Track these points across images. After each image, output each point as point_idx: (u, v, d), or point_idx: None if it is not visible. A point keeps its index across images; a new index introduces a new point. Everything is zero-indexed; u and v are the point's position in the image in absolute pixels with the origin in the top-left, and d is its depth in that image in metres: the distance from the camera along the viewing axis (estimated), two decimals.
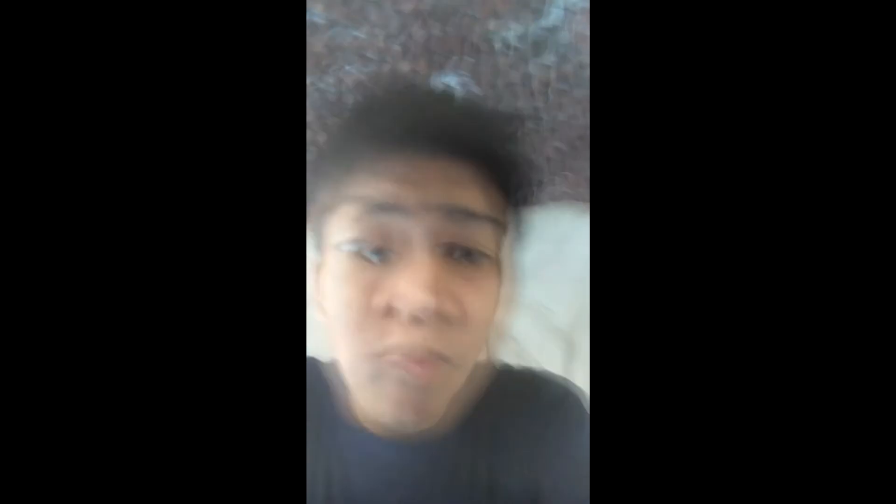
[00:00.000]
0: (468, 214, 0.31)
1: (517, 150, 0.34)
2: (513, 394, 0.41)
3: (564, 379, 0.43)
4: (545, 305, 0.92)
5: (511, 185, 0.34)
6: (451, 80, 0.94)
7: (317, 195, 0.35)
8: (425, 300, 0.28)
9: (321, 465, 0.36)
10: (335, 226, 0.33)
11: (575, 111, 1.01)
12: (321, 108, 0.93)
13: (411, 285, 0.28)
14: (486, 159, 0.33)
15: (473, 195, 0.32)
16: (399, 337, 0.29)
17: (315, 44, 0.81)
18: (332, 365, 0.38)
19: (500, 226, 0.33)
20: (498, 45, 0.86)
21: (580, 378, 0.42)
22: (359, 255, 0.32)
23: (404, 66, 0.93)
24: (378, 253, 0.31)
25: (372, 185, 0.32)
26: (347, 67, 0.86)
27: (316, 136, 0.98)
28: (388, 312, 0.31)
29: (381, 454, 0.37)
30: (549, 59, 0.92)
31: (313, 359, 0.42)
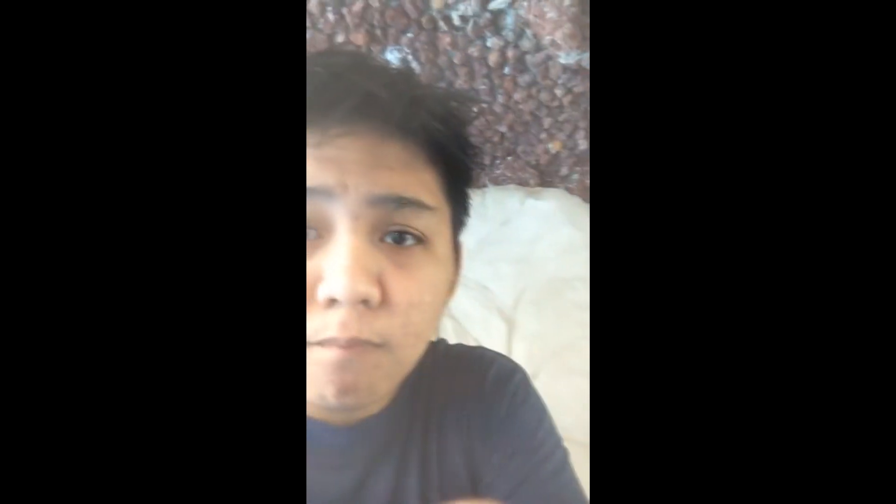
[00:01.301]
0: (398, 199, 0.30)
1: (460, 129, 0.33)
2: (458, 370, 0.41)
3: (508, 357, 0.44)
4: (486, 286, 0.93)
5: (454, 168, 0.33)
6: (391, 56, 0.91)
7: None
8: (342, 285, 0.27)
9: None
10: None
11: (519, 96, 1.01)
12: None
13: (330, 269, 0.28)
14: (428, 140, 0.31)
15: (407, 179, 0.31)
16: (321, 319, 0.29)
17: None
18: None
19: (435, 210, 0.32)
20: (441, 24, 0.84)
21: (521, 357, 0.42)
22: None
23: (339, 37, 0.88)
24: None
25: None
26: None
27: None
28: (311, 297, 0.29)
29: (323, 438, 0.36)
30: (491, 42, 0.92)
31: None
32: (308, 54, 0.36)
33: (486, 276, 0.92)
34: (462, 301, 0.89)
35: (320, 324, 0.28)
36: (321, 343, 0.28)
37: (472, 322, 0.84)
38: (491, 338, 0.83)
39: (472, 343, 0.45)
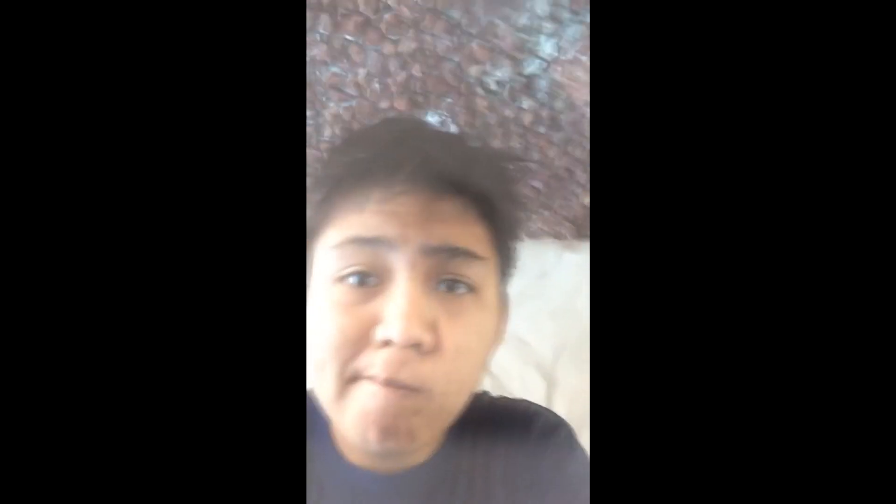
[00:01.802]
0: (452, 250, 0.32)
1: (508, 186, 0.35)
2: (503, 423, 0.40)
3: (552, 411, 0.43)
4: (524, 340, 0.91)
5: (499, 221, 0.35)
6: (430, 119, 0.97)
7: (309, 224, 0.35)
8: (399, 329, 0.29)
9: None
10: (321, 250, 0.33)
11: (551, 153, 1.04)
12: None
13: (388, 313, 0.29)
14: (478, 196, 0.34)
15: (459, 231, 0.33)
16: (373, 362, 0.30)
17: None
18: (310, 393, 0.37)
19: (485, 260, 0.34)
20: (477, 89, 0.90)
21: (562, 413, 0.41)
22: (340, 280, 0.32)
23: (384, 104, 0.95)
24: (360, 280, 0.32)
25: (356, 216, 0.32)
26: (325, 101, 0.87)
27: None
28: (365, 338, 0.30)
29: (370, 486, 0.36)
30: (527, 104, 0.96)
31: None
32: (371, 124, 0.39)
33: (524, 329, 0.90)
34: (500, 355, 0.87)
35: (369, 361, 0.29)
36: (367, 378, 0.29)
37: (510, 378, 0.82)
38: (530, 394, 0.80)
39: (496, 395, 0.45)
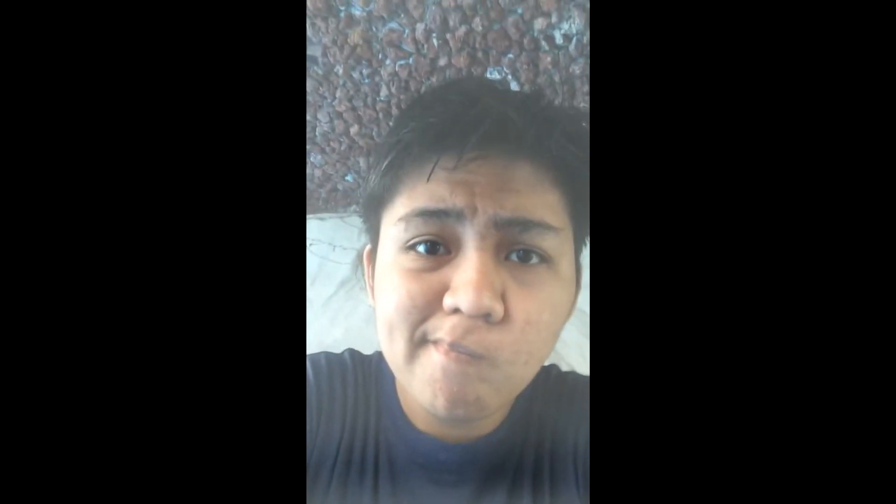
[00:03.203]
0: (525, 222, 0.31)
1: (580, 150, 0.33)
2: (572, 398, 0.41)
3: None
4: (583, 310, 0.90)
5: (577, 187, 0.33)
6: (490, 77, 0.92)
7: (372, 185, 0.34)
8: (468, 300, 0.28)
9: (370, 450, 0.37)
10: (389, 219, 0.33)
11: None
12: (355, 99, 0.92)
13: (457, 282, 0.29)
14: (556, 161, 0.32)
15: (534, 200, 0.32)
16: (443, 328, 0.29)
17: (352, 35, 0.79)
18: (377, 355, 0.39)
19: (559, 231, 0.32)
20: (543, 44, 0.83)
21: None
22: (411, 248, 0.32)
23: (442, 61, 0.91)
24: (429, 248, 0.31)
25: (425, 185, 0.31)
26: (383, 58, 0.84)
27: (349, 126, 0.97)
28: (435, 304, 0.31)
29: (438, 454, 0.38)
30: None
31: (353, 350, 0.44)
32: (440, 84, 0.37)
33: (582, 300, 0.89)
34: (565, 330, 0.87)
35: (437, 325, 0.30)
36: (434, 342, 0.30)
37: (568, 348, 0.81)
38: (587, 364, 0.80)
39: (566, 370, 0.45)
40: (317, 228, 1.25)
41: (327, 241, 1.19)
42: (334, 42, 0.80)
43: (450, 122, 0.31)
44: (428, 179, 0.30)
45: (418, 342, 0.31)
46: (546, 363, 0.44)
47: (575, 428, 0.39)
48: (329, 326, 0.99)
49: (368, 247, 0.38)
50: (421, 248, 0.31)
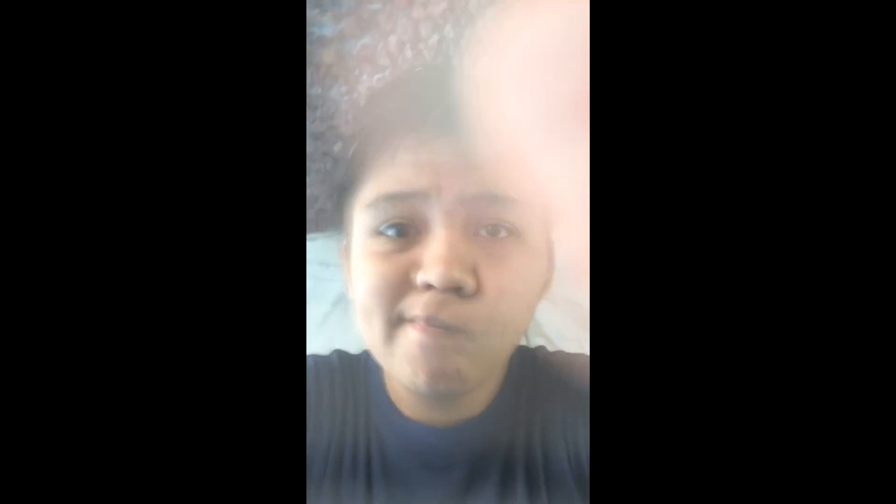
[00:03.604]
0: (491, 196, 0.31)
1: None
2: (561, 377, 0.41)
3: None
4: (577, 302, 0.90)
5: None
6: None
7: (339, 177, 0.35)
8: (438, 273, 0.29)
9: (361, 445, 0.37)
10: (357, 209, 0.33)
11: None
12: (335, 118, 0.93)
13: (427, 259, 0.29)
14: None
15: (498, 175, 0.32)
16: (417, 305, 0.30)
17: (325, 55, 0.81)
18: (364, 354, 0.40)
19: (529, 205, 0.33)
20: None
21: None
22: (381, 233, 0.32)
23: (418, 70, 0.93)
24: (399, 231, 0.32)
25: (390, 168, 0.31)
26: (358, 75, 0.86)
27: (331, 146, 0.98)
28: (407, 284, 0.30)
29: (426, 439, 0.37)
30: None
31: (341, 351, 0.44)
32: (398, 77, 0.38)
33: (576, 291, 0.89)
34: (553, 318, 0.87)
35: (411, 303, 0.30)
36: (410, 320, 0.30)
37: (565, 340, 0.81)
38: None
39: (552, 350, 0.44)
40: (307, 249, 1.25)
41: (318, 261, 1.19)
42: (309, 63, 0.81)
43: (408, 105, 0.32)
44: (393, 161, 0.30)
45: (395, 322, 0.31)
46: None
47: (563, 407, 0.39)
48: (327, 345, 0.98)
49: (345, 242, 0.39)
50: (391, 232, 0.32)
